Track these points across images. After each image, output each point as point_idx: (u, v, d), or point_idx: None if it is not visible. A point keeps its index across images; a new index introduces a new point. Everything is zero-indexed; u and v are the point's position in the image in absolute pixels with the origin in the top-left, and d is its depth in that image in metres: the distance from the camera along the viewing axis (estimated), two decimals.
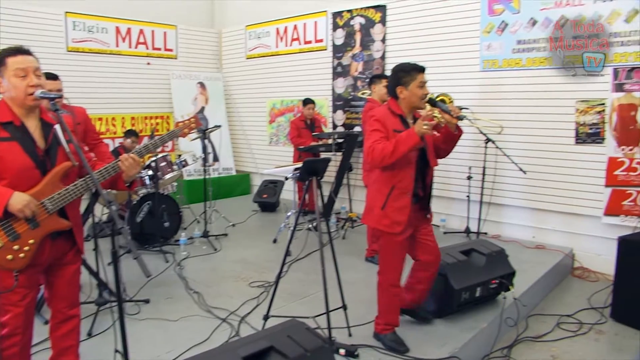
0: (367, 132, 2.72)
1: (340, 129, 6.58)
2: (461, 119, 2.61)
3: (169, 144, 7.49)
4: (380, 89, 4.28)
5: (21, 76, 2.04)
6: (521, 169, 4.39)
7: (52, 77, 3.32)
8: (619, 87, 4.37)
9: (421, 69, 2.68)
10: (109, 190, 2.45)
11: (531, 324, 3.59)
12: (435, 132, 2.76)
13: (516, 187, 5.06)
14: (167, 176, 5.03)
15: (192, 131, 2.81)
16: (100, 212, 5.43)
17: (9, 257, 2.01)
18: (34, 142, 2.09)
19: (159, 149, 2.98)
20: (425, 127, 2.50)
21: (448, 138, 2.72)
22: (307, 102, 6.05)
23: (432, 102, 2.68)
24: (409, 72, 2.66)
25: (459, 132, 2.70)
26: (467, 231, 5.21)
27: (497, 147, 4.55)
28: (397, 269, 2.78)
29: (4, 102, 2.11)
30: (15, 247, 2.02)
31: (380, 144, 2.59)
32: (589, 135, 4.58)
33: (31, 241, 2.05)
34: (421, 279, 2.94)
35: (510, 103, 5.05)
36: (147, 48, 7.27)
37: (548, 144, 4.81)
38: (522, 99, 4.96)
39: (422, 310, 3.15)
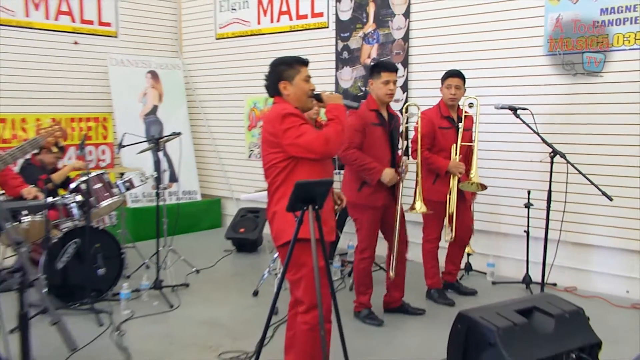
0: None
1: None
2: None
3: (107, 157, 7.53)
4: (379, 86, 4.31)
5: None
6: (606, 194, 4.33)
7: None
8: None
9: (305, 62, 3.29)
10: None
11: None
12: None
13: (600, 219, 5.04)
14: (104, 203, 5.01)
15: (59, 140, 2.98)
16: (1, 255, 5.38)
17: None
18: None
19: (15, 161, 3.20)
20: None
21: None
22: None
23: (318, 98, 3.29)
24: (291, 64, 3.24)
25: None
26: (527, 281, 5.16)
27: (569, 163, 4.52)
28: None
29: None
30: None
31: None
32: None
33: None
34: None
35: (589, 99, 5.06)
36: (74, 21, 7.29)
37: None
38: (607, 93, 4.96)
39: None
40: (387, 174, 4.25)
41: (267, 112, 3.29)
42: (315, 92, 3.29)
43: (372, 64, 4.62)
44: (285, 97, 3.23)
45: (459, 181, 4.77)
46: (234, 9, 7.70)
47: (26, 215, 4.62)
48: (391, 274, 4.52)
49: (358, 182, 4.34)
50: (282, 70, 3.22)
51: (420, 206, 4.57)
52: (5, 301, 3.10)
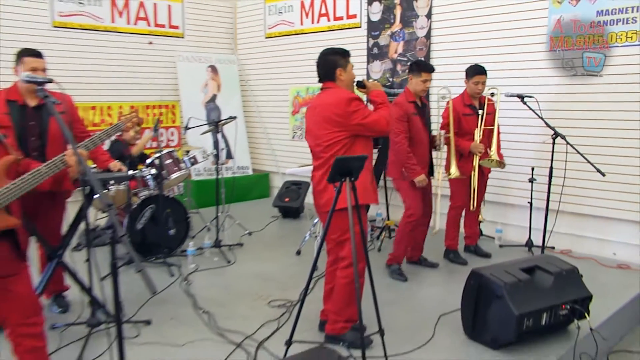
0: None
1: None
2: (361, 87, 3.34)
3: (175, 137, 7.65)
4: (418, 83, 4.30)
5: None
6: (599, 171, 4.27)
7: (34, 54, 3.32)
8: None
9: (350, 54, 3.27)
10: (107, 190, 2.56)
11: None
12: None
13: (593, 192, 4.95)
14: (174, 176, 5.09)
15: (135, 126, 3.20)
16: (93, 217, 5.55)
17: None
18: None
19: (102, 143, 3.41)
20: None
21: None
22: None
23: (362, 84, 3.31)
24: (343, 55, 3.22)
25: None
26: (529, 244, 5.12)
27: (568, 144, 4.43)
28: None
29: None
30: None
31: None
32: None
33: None
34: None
35: (586, 89, 4.94)
36: (149, 25, 7.37)
37: (637, 139, 4.68)
38: (602, 84, 4.83)
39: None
40: (421, 180, 4.28)
41: (323, 96, 3.17)
42: (358, 80, 3.25)
43: (414, 60, 4.54)
44: (339, 83, 3.16)
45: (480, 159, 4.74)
46: (281, 12, 7.68)
47: (112, 184, 4.75)
48: (436, 230, 4.65)
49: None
50: (337, 59, 3.16)
51: (455, 170, 4.60)
52: (98, 254, 3.21)
